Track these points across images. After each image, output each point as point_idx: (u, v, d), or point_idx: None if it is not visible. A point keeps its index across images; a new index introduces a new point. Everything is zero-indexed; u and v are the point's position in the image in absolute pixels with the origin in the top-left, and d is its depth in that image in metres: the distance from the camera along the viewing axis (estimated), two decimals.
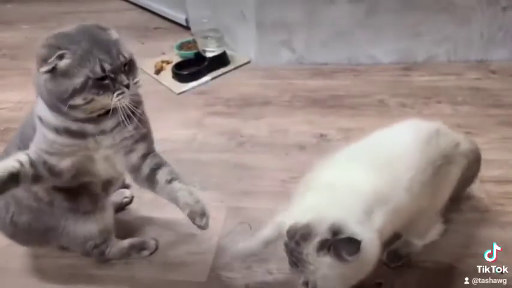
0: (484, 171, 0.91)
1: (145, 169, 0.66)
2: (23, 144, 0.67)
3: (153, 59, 1.50)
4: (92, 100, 0.57)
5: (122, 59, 0.58)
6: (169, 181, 0.64)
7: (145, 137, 0.67)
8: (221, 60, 1.45)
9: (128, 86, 0.59)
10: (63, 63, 0.55)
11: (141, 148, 0.66)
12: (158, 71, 1.46)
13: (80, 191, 0.70)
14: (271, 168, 1.00)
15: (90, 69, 0.55)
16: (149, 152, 0.68)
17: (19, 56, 1.67)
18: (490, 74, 1.29)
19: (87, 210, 0.72)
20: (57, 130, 0.61)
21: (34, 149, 0.64)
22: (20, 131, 0.71)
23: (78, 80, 0.55)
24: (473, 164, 0.75)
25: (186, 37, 1.62)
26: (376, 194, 0.58)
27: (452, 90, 1.23)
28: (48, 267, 0.81)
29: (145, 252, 0.81)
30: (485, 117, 1.10)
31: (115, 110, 0.60)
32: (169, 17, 1.83)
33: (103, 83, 0.57)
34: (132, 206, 0.93)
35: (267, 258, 0.78)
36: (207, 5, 1.55)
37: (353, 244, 0.51)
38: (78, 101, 0.56)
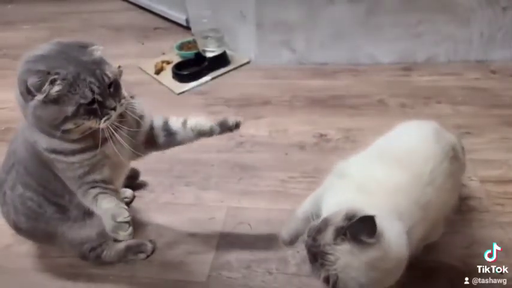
0: (484, 171, 0.92)
1: (160, 136, 0.70)
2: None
3: (153, 59, 1.50)
4: (82, 124, 0.58)
5: (106, 80, 0.57)
6: (184, 123, 0.70)
7: (142, 114, 0.67)
8: (221, 60, 1.45)
9: (115, 109, 0.59)
10: (54, 91, 0.54)
11: (145, 123, 0.68)
12: (158, 71, 1.46)
13: (67, 203, 0.70)
14: (271, 168, 1.00)
15: (81, 94, 0.55)
16: (150, 124, 0.70)
17: (20, 56, 1.67)
18: (490, 74, 1.29)
19: (78, 219, 0.72)
20: (73, 152, 0.61)
21: (80, 181, 0.63)
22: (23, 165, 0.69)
23: (70, 108, 0.55)
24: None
25: (186, 37, 1.62)
26: (403, 192, 0.58)
27: (452, 90, 1.23)
28: (48, 266, 0.81)
29: (142, 255, 0.80)
30: (485, 117, 1.10)
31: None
32: (170, 17, 1.84)
33: (92, 107, 0.57)
34: (133, 205, 0.93)
35: (267, 257, 0.78)
36: (207, 5, 1.55)
37: (367, 222, 0.49)
38: (69, 125, 0.57)
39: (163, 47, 1.61)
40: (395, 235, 0.52)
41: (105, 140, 0.61)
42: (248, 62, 1.47)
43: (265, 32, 1.40)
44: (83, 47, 0.58)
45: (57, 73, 0.54)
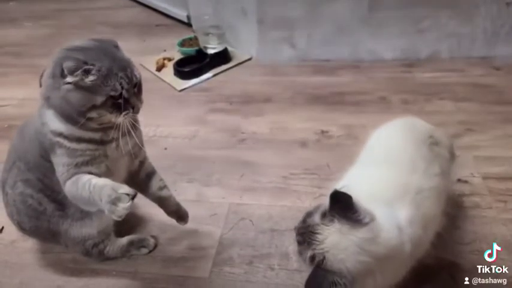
0: (487, 168, 0.92)
1: (142, 174, 0.75)
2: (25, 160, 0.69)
3: (154, 56, 1.51)
4: (104, 115, 0.61)
5: (134, 79, 0.61)
6: (161, 188, 0.76)
7: (142, 143, 0.71)
8: (222, 57, 1.45)
9: (133, 108, 0.62)
10: (89, 80, 0.58)
11: (142, 153, 0.73)
12: (160, 68, 1.46)
13: (64, 199, 0.70)
14: (272, 164, 1.00)
15: (112, 87, 0.59)
16: (145, 157, 0.75)
17: (22, 53, 1.68)
18: (494, 70, 1.28)
19: (76, 217, 0.73)
20: (79, 139, 0.63)
21: (76, 170, 0.63)
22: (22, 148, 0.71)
23: (99, 98, 0.59)
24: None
25: (188, 34, 1.62)
26: (389, 181, 0.59)
27: (455, 86, 1.22)
28: (52, 262, 0.82)
29: (145, 250, 0.81)
30: (488, 114, 1.10)
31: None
32: (171, 14, 1.83)
33: (117, 102, 0.60)
34: (136, 202, 0.93)
35: (269, 253, 0.78)
36: (208, 2, 1.55)
37: (340, 196, 0.49)
38: (93, 114, 0.60)
39: (165, 44, 1.60)
40: (387, 221, 0.52)
41: (113, 139, 0.64)
42: (249, 59, 1.47)
43: (267, 29, 1.40)
44: (117, 47, 0.64)
45: (93, 64, 0.58)
